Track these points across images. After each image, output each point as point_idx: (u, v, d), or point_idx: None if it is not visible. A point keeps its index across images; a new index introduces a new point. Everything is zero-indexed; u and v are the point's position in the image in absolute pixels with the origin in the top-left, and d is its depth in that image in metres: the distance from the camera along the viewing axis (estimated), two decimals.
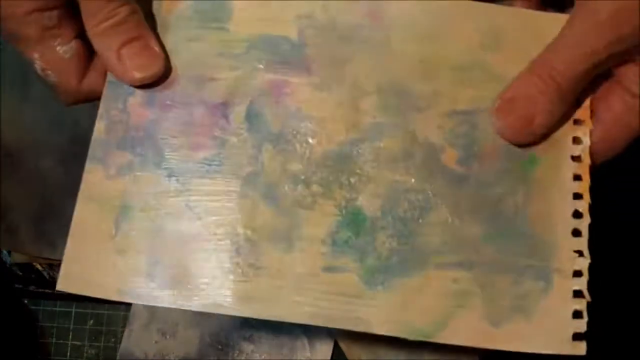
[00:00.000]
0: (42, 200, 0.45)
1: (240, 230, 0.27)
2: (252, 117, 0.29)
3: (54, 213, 0.45)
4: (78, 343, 0.46)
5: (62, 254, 0.44)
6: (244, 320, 0.43)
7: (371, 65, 0.29)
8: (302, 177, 0.28)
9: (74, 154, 0.46)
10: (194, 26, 0.29)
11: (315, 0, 0.29)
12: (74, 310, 0.46)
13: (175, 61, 0.29)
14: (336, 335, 0.43)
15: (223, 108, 0.29)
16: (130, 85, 0.29)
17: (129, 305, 0.46)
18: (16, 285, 0.46)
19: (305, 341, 0.43)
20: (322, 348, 0.43)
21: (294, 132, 0.28)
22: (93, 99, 0.30)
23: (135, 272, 0.27)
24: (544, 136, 0.28)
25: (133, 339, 0.44)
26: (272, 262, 0.27)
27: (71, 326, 0.46)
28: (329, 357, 0.43)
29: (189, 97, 0.29)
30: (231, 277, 0.27)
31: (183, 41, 0.29)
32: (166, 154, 0.28)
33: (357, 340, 0.43)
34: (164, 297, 0.26)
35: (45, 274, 0.46)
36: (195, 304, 0.26)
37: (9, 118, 0.44)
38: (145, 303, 0.27)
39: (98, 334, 0.46)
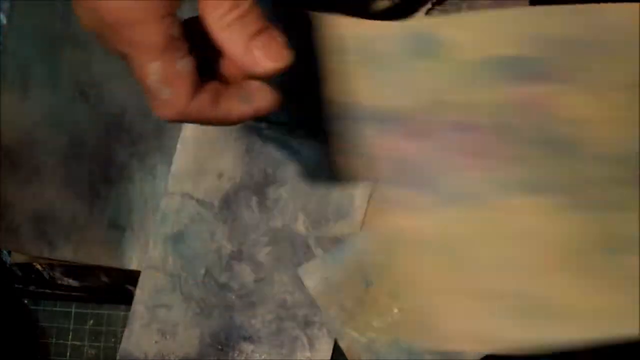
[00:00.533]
0: (42, 200, 0.45)
1: None
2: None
3: (54, 213, 0.45)
4: (78, 343, 0.46)
5: (61, 254, 0.44)
6: (244, 320, 0.44)
7: (612, 66, 0.29)
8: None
9: (74, 154, 0.46)
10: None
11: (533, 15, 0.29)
12: (74, 310, 0.46)
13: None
14: (336, 334, 0.43)
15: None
16: (262, 78, 0.28)
17: (129, 305, 0.46)
18: (16, 285, 0.46)
19: (305, 341, 0.44)
20: (322, 348, 0.43)
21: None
22: (197, 122, 0.29)
23: None
24: None
25: (133, 339, 0.44)
26: None
27: (71, 326, 0.46)
28: (329, 357, 0.44)
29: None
30: None
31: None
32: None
33: (358, 340, 0.43)
34: None
35: (45, 274, 0.46)
36: None
37: (9, 118, 0.44)
38: None
39: (98, 334, 0.46)
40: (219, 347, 0.44)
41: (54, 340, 0.46)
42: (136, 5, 0.24)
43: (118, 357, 0.43)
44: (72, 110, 0.46)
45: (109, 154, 0.46)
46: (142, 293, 0.44)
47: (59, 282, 0.46)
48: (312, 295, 0.43)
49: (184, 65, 0.26)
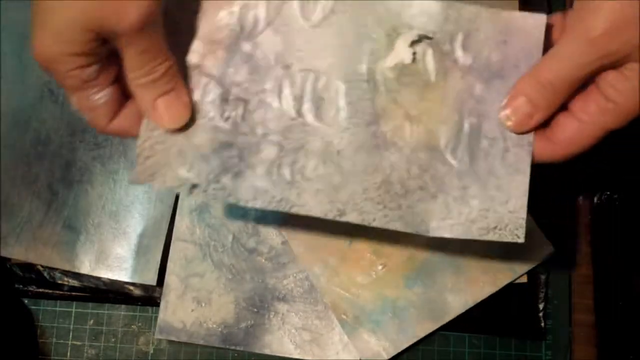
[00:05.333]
0: None
1: None
2: None
3: (8, 210, 0.46)
4: (78, 343, 0.46)
5: (11, 252, 0.45)
6: (276, 282, 0.45)
7: None
8: None
9: (37, 152, 0.46)
10: None
11: None
12: (74, 310, 0.46)
13: None
14: (320, 291, 0.45)
15: None
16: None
17: (129, 305, 0.46)
18: (16, 285, 0.46)
19: None
20: None
21: None
22: (122, 136, 0.33)
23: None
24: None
25: (170, 309, 0.45)
26: None
27: (71, 326, 0.46)
28: None
29: None
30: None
31: None
32: None
33: (342, 296, 0.44)
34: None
35: (45, 274, 0.46)
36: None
37: None
38: None
39: (98, 334, 0.46)
40: (255, 309, 0.45)
41: (54, 340, 0.46)
42: (56, 59, 0.29)
43: (158, 329, 0.44)
44: (39, 108, 0.47)
45: (71, 155, 0.46)
46: (173, 265, 0.45)
47: (59, 282, 0.46)
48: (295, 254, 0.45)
49: (101, 97, 0.31)
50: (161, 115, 0.32)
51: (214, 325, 0.44)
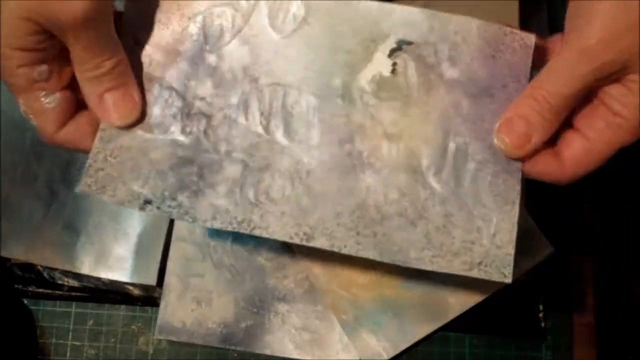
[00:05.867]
0: None
1: None
2: None
3: (8, 210, 0.46)
4: (78, 343, 0.46)
5: (12, 252, 0.44)
6: (276, 282, 0.45)
7: None
8: None
9: (36, 153, 0.46)
10: None
11: None
12: (74, 310, 0.46)
13: None
14: (320, 291, 0.44)
15: None
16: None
17: (129, 305, 0.46)
18: (16, 285, 0.46)
19: None
20: None
21: None
22: (71, 149, 0.32)
23: None
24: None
25: (169, 310, 0.44)
26: None
27: (71, 326, 0.46)
28: None
29: None
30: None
31: None
32: None
33: (342, 296, 0.44)
34: None
35: (45, 274, 0.46)
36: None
37: None
38: None
39: (98, 334, 0.46)
40: (254, 309, 0.45)
41: (53, 341, 0.46)
42: (2, 53, 0.28)
43: (157, 329, 0.44)
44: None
45: (71, 155, 0.46)
46: (173, 265, 0.45)
47: (59, 282, 0.46)
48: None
49: (51, 101, 0.30)
50: (108, 110, 0.30)
51: (214, 325, 0.44)
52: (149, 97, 0.32)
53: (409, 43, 0.31)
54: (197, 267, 0.45)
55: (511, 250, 0.30)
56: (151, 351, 0.46)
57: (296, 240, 0.30)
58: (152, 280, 0.45)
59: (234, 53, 0.32)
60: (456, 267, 0.30)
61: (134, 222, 0.46)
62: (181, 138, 0.31)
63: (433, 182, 0.31)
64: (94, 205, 0.46)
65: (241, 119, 0.31)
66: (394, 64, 0.31)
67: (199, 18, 0.32)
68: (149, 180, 0.31)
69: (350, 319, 0.44)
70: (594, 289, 0.46)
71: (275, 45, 0.32)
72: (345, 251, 0.30)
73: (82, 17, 0.27)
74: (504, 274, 0.30)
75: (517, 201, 0.30)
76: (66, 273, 0.46)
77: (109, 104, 0.30)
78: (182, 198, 0.31)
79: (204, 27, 0.32)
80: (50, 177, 0.46)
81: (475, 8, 0.43)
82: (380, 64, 0.31)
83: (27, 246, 0.45)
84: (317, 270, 0.45)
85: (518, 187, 0.30)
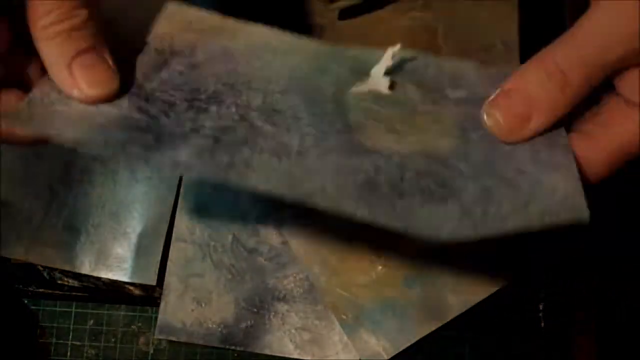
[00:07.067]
0: None
1: None
2: None
3: (8, 210, 0.45)
4: (78, 343, 0.46)
5: (12, 252, 0.44)
6: (276, 282, 0.45)
7: None
8: None
9: (36, 152, 0.46)
10: None
11: None
12: (74, 310, 0.46)
13: None
14: (320, 291, 0.44)
15: None
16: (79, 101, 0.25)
17: (129, 305, 0.46)
18: (16, 285, 0.46)
19: None
20: None
21: None
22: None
23: None
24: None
25: (169, 310, 0.44)
26: None
27: (71, 326, 0.46)
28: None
29: None
30: None
31: None
32: None
33: (342, 296, 0.44)
34: None
35: (45, 274, 0.46)
36: None
37: None
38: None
39: (98, 334, 0.46)
40: (254, 309, 0.45)
41: (54, 340, 0.46)
42: None
43: (158, 329, 0.44)
44: None
45: (71, 155, 0.46)
46: (173, 265, 0.45)
47: (59, 282, 0.46)
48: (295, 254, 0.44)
49: None
50: (79, 80, 0.24)
51: (214, 325, 0.44)
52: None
53: (411, 59, 0.28)
54: (197, 267, 0.45)
55: (580, 196, 0.23)
56: (151, 351, 0.46)
57: (288, 198, 0.24)
58: (152, 280, 0.45)
59: (207, 65, 0.28)
60: (524, 217, 0.23)
61: (134, 222, 0.46)
62: (135, 115, 0.25)
63: (459, 164, 0.25)
64: (94, 205, 0.46)
65: (213, 108, 0.26)
66: (392, 82, 0.28)
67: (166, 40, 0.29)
68: (89, 133, 0.24)
69: (350, 319, 0.44)
70: (593, 288, 0.46)
71: (255, 62, 0.28)
72: (359, 215, 0.23)
73: None
74: (581, 209, 0.23)
75: (573, 162, 0.24)
76: (66, 273, 0.46)
77: (80, 71, 0.24)
78: (135, 149, 0.23)
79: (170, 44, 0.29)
80: (50, 177, 0.46)
81: (475, 8, 0.43)
82: (376, 82, 0.28)
83: (27, 246, 0.45)
84: (317, 270, 0.45)
85: (570, 155, 0.24)
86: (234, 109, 0.26)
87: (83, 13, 0.23)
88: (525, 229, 0.23)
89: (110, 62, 0.25)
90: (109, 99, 0.25)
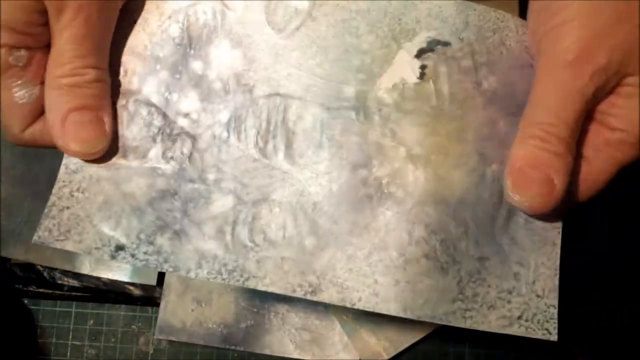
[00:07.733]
0: None
1: None
2: None
3: (7, 210, 0.45)
4: (78, 343, 0.46)
5: (12, 252, 0.44)
6: None
7: None
8: None
9: (35, 152, 0.46)
10: None
11: None
12: (74, 310, 0.46)
13: None
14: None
15: None
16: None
17: (129, 305, 0.46)
18: (16, 285, 0.46)
19: None
20: None
21: None
22: (35, 147, 0.28)
23: None
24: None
25: (170, 309, 0.44)
26: None
27: (71, 326, 0.46)
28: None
29: None
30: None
31: None
32: None
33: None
34: None
35: (45, 274, 0.46)
36: None
37: None
38: None
39: (98, 334, 0.46)
40: (254, 309, 0.45)
41: (54, 340, 0.46)
42: None
43: (158, 329, 0.44)
44: None
45: None
46: None
47: (59, 282, 0.46)
48: None
49: (23, 96, 0.26)
50: (67, 133, 0.25)
51: (214, 325, 0.44)
52: (123, 115, 0.27)
53: (445, 44, 0.26)
54: None
55: (553, 300, 0.26)
56: (151, 351, 0.46)
57: (299, 294, 0.25)
58: (152, 280, 0.45)
59: (223, 57, 0.27)
60: (493, 324, 0.25)
61: None
62: (161, 165, 0.26)
63: (467, 217, 0.25)
64: None
65: (233, 139, 0.26)
66: (423, 67, 0.26)
67: (181, 16, 0.27)
68: (122, 220, 0.26)
69: (350, 319, 0.44)
70: (593, 288, 0.46)
71: (273, 46, 0.26)
72: (359, 305, 0.25)
73: None
74: (548, 330, 0.26)
75: (559, 242, 0.26)
76: (66, 273, 0.45)
77: (72, 125, 0.25)
78: (162, 241, 0.26)
79: (187, 27, 0.27)
80: (50, 177, 0.46)
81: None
82: (404, 67, 0.26)
83: (27, 246, 0.45)
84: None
85: (559, 225, 0.26)
86: (253, 137, 0.27)
87: (92, 73, 0.25)
88: (493, 331, 0.25)
89: (106, 125, 0.26)
90: (94, 157, 0.26)
